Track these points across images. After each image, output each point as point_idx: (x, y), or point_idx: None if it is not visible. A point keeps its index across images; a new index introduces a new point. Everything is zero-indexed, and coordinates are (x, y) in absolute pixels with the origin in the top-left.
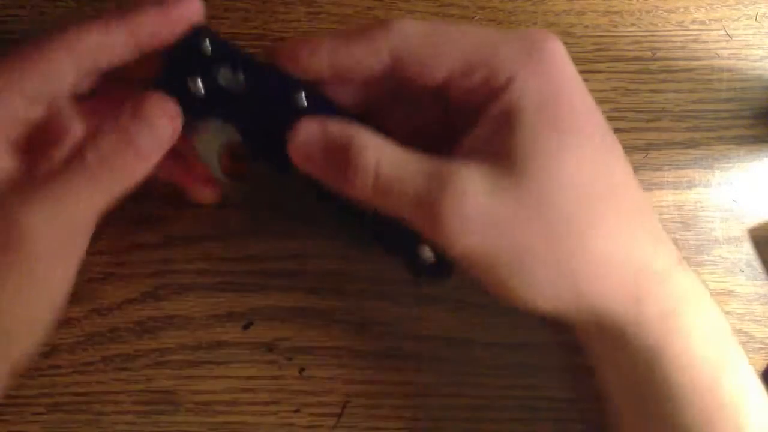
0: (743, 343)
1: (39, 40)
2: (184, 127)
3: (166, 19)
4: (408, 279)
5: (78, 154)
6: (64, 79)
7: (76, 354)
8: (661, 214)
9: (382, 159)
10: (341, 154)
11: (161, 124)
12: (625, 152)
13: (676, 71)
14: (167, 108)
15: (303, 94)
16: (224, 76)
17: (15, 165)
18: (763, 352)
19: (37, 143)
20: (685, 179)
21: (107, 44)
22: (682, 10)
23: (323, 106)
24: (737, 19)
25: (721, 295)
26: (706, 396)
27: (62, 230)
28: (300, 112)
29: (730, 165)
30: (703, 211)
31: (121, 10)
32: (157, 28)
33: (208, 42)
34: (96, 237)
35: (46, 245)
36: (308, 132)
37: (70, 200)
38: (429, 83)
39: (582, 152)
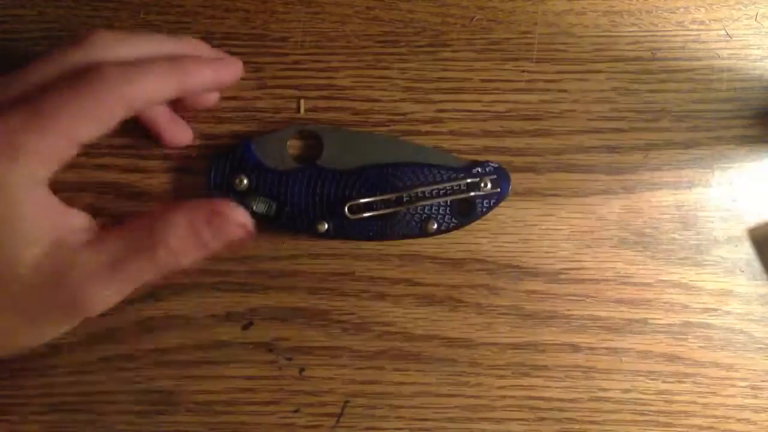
0: (743, 343)
1: (87, 79)
2: None
3: (215, 76)
4: (408, 279)
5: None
6: (112, 125)
7: (76, 354)
8: (661, 214)
9: None
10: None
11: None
12: (625, 152)
13: (676, 71)
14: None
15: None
16: (258, 205)
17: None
18: (763, 352)
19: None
20: (685, 179)
21: (158, 94)
22: (682, 10)
23: None
24: (737, 19)
25: (721, 295)
26: None
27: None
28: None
29: (730, 165)
30: (702, 211)
31: (175, 62)
32: (206, 83)
33: (245, 179)
34: None
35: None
36: None
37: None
38: None
39: None
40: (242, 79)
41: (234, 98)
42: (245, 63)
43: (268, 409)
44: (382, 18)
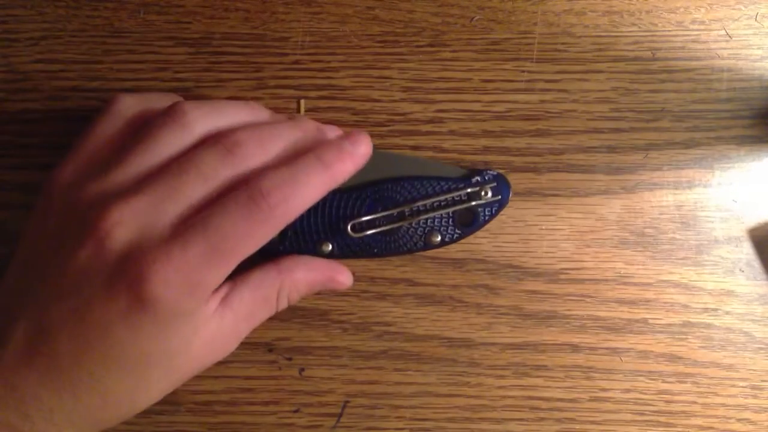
0: (743, 344)
1: (255, 207)
2: None
3: (354, 164)
4: (408, 279)
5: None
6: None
7: None
8: (661, 214)
9: None
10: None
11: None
12: (625, 152)
13: (676, 71)
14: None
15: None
16: None
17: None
18: (763, 352)
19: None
20: (685, 179)
21: (311, 202)
22: (682, 10)
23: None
24: (737, 19)
25: (721, 295)
26: None
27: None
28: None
29: (730, 165)
30: (703, 211)
31: (322, 161)
32: (347, 174)
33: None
34: None
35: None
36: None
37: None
38: None
39: None
40: (242, 79)
41: (234, 99)
42: (245, 63)
43: (268, 409)
44: (382, 18)
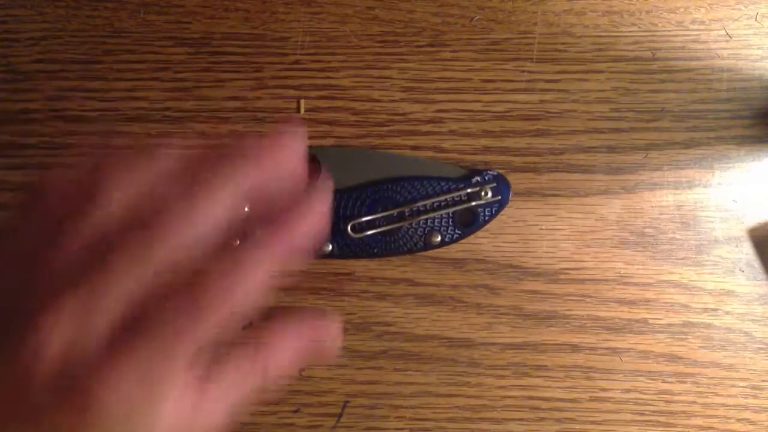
0: (743, 343)
1: (196, 305)
2: None
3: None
4: (408, 279)
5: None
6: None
7: None
8: (661, 213)
9: None
10: None
11: None
12: (625, 152)
13: (676, 71)
14: None
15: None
16: None
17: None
18: (763, 352)
19: None
20: (685, 179)
21: (266, 285)
22: (682, 10)
23: None
24: (737, 19)
25: (721, 295)
26: None
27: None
28: None
29: (730, 165)
30: (703, 211)
31: (274, 238)
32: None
33: None
34: None
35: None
36: None
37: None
38: None
39: None
40: (242, 79)
41: (234, 98)
42: (245, 63)
43: (268, 409)
44: (382, 18)
